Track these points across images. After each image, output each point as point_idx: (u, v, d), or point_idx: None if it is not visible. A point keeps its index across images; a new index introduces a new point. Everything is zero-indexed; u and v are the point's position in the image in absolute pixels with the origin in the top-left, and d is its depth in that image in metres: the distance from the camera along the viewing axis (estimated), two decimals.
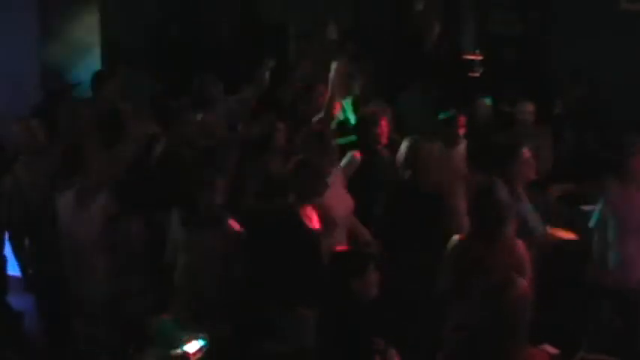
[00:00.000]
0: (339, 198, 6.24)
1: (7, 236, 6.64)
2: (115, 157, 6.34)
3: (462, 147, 7.46)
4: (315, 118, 7.40)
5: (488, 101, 8.92)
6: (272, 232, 5.76)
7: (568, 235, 6.90)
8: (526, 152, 6.35)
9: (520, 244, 5.48)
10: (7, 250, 6.74)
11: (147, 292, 5.57)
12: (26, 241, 6.64)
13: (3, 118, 7.62)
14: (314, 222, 5.89)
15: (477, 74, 9.96)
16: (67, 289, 5.90)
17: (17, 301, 6.75)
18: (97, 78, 8.15)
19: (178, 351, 5.01)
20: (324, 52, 9.83)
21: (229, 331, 5.47)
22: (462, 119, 7.47)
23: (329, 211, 5.99)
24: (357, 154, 6.80)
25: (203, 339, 5.11)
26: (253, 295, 5.57)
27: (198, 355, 5.05)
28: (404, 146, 6.56)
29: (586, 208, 7.15)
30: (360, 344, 4.93)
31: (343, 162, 6.71)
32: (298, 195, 5.83)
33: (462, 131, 7.44)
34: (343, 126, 7.78)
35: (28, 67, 8.74)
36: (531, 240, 5.81)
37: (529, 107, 8.47)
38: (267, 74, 8.08)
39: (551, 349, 5.08)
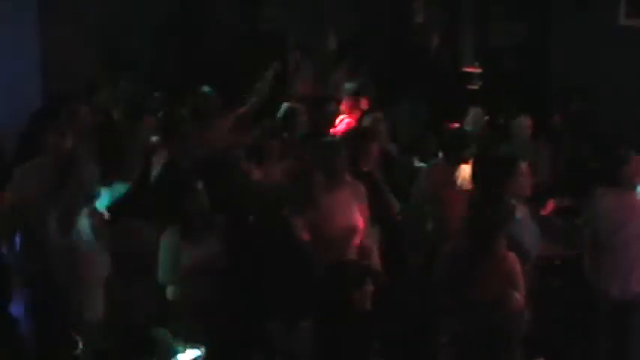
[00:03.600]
0: (340, 212, 6.15)
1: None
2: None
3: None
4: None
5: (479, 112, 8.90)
6: (265, 242, 5.77)
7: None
8: (523, 167, 6.35)
9: (513, 258, 5.48)
10: None
11: (146, 303, 5.56)
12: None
13: (2, 125, 7.67)
14: (308, 232, 5.88)
15: (475, 87, 9.98)
16: (64, 297, 5.91)
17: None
18: (90, 87, 8.13)
19: None
20: (324, 63, 9.90)
21: (224, 343, 5.48)
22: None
23: (321, 222, 5.95)
24: None
25: (198, 349, 5.13)
26: (248, 306, 5.58)
27: None
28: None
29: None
30: (355, 356, 4.95)
31: None
32: (292, 206, 5.83)
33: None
34: None
35: (28, 74, 8.74)
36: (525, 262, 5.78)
37: (526, 121, 8.49)
38: (268, 84, 8.11)
39: None
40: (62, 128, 6.66)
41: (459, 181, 6.95)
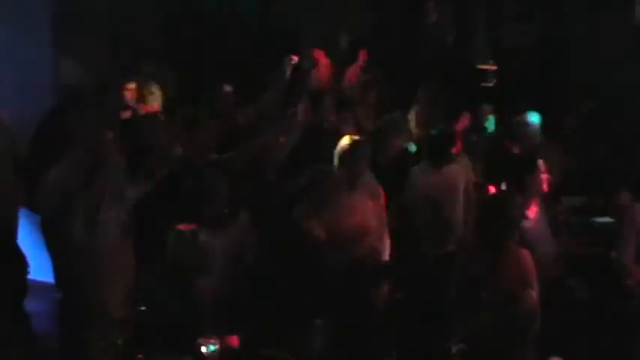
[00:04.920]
0: (355, 211, 6.17)
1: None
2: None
3: (456, 164, 7.11)
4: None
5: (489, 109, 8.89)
6: (279, 241, 5.78)
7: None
8: (541, 164, 6.34)
9: (527, 256, 5.47)
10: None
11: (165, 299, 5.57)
12: None
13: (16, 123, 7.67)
14: (322, 232, 5.89)
15: (490, 85, 9.97)
16: (87, 294, 5.93)
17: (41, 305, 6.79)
18: (102, 89, 8.13)
19: (189, 357, 5.04)
20: (335, 62, 9.89)
21: (240, 339, 5.49)
22: (458, 138, 7.28)
23: (336, 221, 5.98)
24: None
25: (213, 345, 5.13)
26: (263, 303, 5.59)
27: None
28: None
29: (597, 220, 7.15)
30: (369, 355, 4.96)
31: None
32: (307, 205, 5.83)
33: (456, 150, 7.20)
34: None
35: (41, 77, 8.75)
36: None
37: (536, 120, 8.46)
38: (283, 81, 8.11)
39: None
40: (94, 124, 6.70)
41: (449, 181, 6.88)
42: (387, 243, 6.40)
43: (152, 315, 5.25)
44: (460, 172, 7.00)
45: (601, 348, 6.29)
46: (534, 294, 5.25)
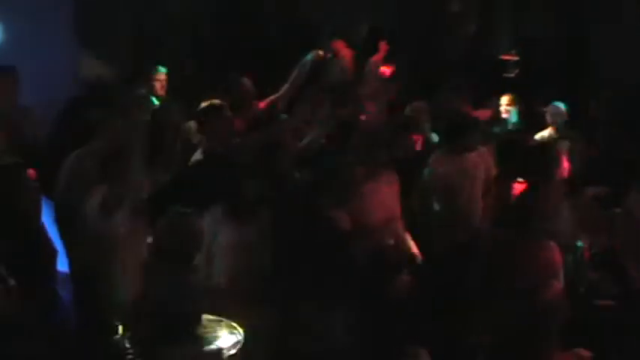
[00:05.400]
0: (381, 200, 6.18)
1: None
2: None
3: (477, 154, 7.02)
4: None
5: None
6: (303, 232, 5.78)
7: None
8: (559, 152, 6.31)
9: (553, 246, 5.45)
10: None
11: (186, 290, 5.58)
12: None
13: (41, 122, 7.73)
14: (347, 221, 5.89)
15: (512, 75, 9.93)
16: (104, 283, 5.96)
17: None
18: (126, 81, 8.15)
19: (213, 347, 5.04)
20: (358, 52, 9.86)
21: (264, 329, 5.50)
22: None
23: (364, 211, 5.98)
24: None
25: (238, 335, 5.13)
26: (288, 292, 5.60)
27: (233, 351, 5.07)
28: None
29: (620, 210, 7.10)
30: (392, 344, 4.95)
31: None
32: (330, 196, 5.84)
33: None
34: None
35: (64, 72, 8.78)
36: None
37: (562, 109, 8.43)
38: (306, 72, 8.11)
39: (584, 353, 5.06)
40: (117, 115, 6.72)
41: (468, 170, 6.82)
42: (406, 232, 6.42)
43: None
44: (480, 161, 6.94)
45: (626, 340, 6.26)
46: (558, 284, 5.24)
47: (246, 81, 8.03)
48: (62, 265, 6.71)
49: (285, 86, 8.24)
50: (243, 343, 5.03)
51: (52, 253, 6.42)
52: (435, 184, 6.80)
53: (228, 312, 5.43)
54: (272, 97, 8.45)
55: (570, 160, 7.22)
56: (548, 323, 5.24)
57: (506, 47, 10.63)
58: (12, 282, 5.03)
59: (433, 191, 6.79)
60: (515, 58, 10.07)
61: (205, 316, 5.20)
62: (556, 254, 5.40)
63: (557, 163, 6.30)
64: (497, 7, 11.26)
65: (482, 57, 10.00)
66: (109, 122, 6.65)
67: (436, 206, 6.76)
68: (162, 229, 5.21)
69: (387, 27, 10.68)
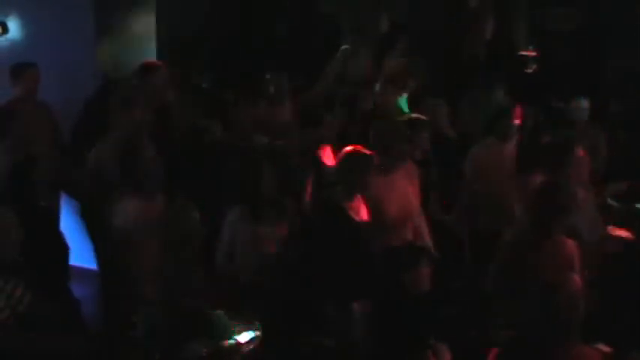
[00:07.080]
0: (398, 194, 6.17)
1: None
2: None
3: (512, 143, 7.29)
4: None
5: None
6: (318, 224, 5.78)
7: (627, 235, 6.79)
8: (579, 151, 6.28)
9: (572, 244, 5.45)
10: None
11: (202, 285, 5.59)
12: None
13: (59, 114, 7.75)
14: (362, 215, 5.88)
15: (531, 71, 9.89)
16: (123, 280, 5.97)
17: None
18: (144, 69, 8.13)
19: (230, 341, 5.04)
20: (376, 47, 9.85)
21: (280, 324, 5.49)
22: (518, 110, 7.39)
23: (379, 205, 5.96)
24: None
25: (254, 330, 5.13)
26: (303, 288, 5.59)
27: (249, 346, 5.07)
28: None
29: None
30: (410, 339, 4.93)
31: None
32: (345, 187, 5.83)
33: (517, 122, 7.33)
34: None
35: (85, 65, 8.79)
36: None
37: (584, 104, 8.37)
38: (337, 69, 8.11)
39: (605, 348, 5.02)
40: (132, 106, 6.74)
41: (509, 159, 6.95)
42: (426, 225, 6.40)
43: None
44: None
45: None
46: (578, 279, 5.20)
47: (268, 77, 8.05)
48: (82, 260, 6.76)
49: (318, 83, 8.26)
50: (259, 338, 5.03)
51: (65, 250, 6.49)
52: (476, 170, 6.98)
53: (246, 307, 5.46)
54: (305, 94, 8.44)
55: (591, 156, 7.19)
56: (569, 318, 5.20)
57: (525, 43, 10.58)
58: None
59: (474, 177, 6.96)
60: (534, 54, 10.02)
61: (224, 311, 5.22)
62: (576, 251, 5.39)
63: (578, 159, 6.26)
64: (516, 2, 11.21)
65: (500, 52, 9.94)
66: (122, 113, 6.66)
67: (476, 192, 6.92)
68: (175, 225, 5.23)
69: (404, 22, 10.66)
